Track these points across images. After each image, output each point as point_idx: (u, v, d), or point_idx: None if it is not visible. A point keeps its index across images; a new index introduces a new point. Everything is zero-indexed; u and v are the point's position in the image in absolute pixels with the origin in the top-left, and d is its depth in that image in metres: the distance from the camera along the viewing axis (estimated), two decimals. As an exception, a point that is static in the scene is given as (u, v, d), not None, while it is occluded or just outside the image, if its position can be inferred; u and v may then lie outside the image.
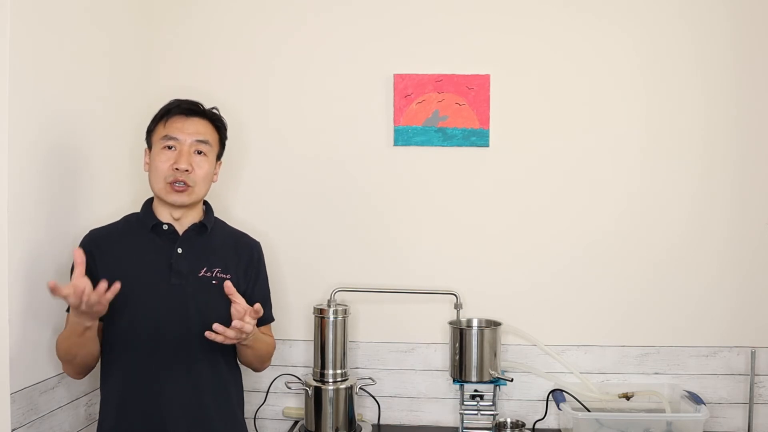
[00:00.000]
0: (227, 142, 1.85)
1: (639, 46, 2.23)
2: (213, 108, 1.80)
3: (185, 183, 1.69)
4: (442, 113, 2.25)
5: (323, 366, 2.09)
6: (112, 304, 1.64)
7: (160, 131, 1.71)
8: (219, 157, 1.81)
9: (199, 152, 1.72)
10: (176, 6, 2.33)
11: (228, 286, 1.60)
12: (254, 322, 1.62)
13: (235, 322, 1.58)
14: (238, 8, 2.32)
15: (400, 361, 2.28)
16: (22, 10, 1.62)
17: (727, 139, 2.22)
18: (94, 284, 1.65)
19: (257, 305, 1.61)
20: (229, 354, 1.77)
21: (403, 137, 2.27)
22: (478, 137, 2.25)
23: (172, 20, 2.33)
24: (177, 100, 1.75)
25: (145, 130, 1.77)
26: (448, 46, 2.27)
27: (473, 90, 2.24)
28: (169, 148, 1.70)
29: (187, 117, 1.72)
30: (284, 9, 2.31)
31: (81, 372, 1.70)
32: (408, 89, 2.25)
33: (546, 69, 2.25)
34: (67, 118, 1.84)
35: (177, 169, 1.67)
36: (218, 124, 1.79)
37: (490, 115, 2.25)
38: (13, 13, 1.59)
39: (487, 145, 2.25)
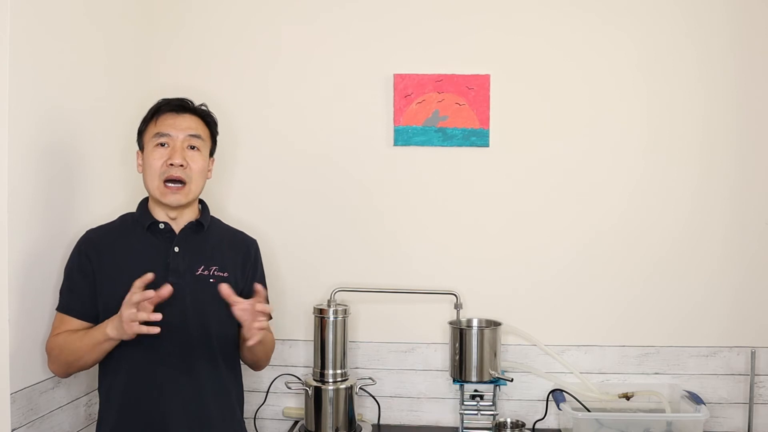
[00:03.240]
0: (227, 141, 1.85)
1: (639, 46, 2.23)
2: (202, 104, 1.79)
3: (181, 180, 1.69)
4: (442, 113, 2.25)
5: (323, 366, 2.09)
6: (110, 304, 1.64)
7: (152, 130, 1.71)
8: (212, 153, 1.81)
9: (193, 147, 1.72)
10: (176, 6, 2.33)
11: (224, 288, 1.58)
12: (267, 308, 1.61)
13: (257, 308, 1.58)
14: (237, 8, 2.32)
15: (400, 361, 2.28)
16: (22, 10, 1.62)
17: (727, 138, 2.22)
18: (91, 285, 1.66)
19: (259, 296, 1.60)
20: (228, 353, 1.77)
21: (403, 137, 2.27)
22: (478, 137, 2.25)
23: (171, 20, 2.33)
24: (165, 99, 1.75)
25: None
26: (448, 46, 2.27)
27: (473, 90, 2.24)
28: (162, 145, 1.70)
29: (178, 114, 1.72)
30: (284, 9, 2.31)
31: (71, 373, 1.69)
32: (408, 89, 2.25)
33: (546, 69, 2.25)
34: (65, 118, 1.84)
35: (171, 164, 1.67)
36: (209, 119, 1.79)
37: (490, 115, 2.25)
38: (12, 14, 1.59)
39: (487, 145, 2.25)
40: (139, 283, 1.51)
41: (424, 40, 2.28)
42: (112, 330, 1.56)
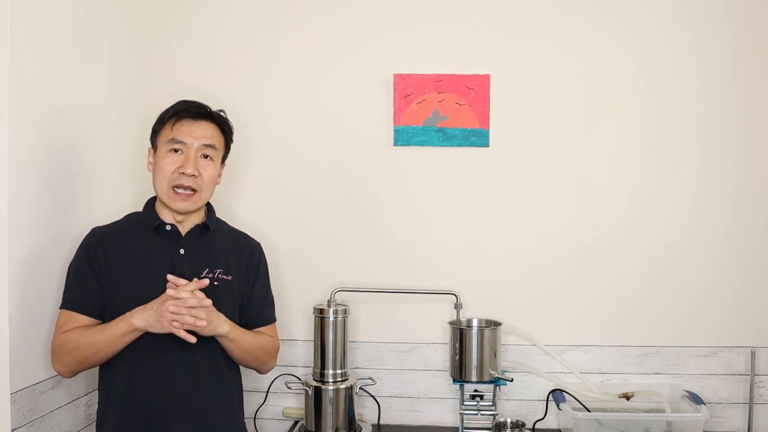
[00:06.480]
0: (229, 143, 1.85)
1: (639, 46, 2.23)
2: (220, 110, 1.79)
3: (191, 188, 1.69)
4: (442, 113, 2.25)
5: (323, 366, 2.09)
6: (115, 305, 1.64)
7: (167, 134, 1.70)
8: (224, 159, 1.81)
9: (206, 156, 1.72)
10: (176, 6, 2.33)
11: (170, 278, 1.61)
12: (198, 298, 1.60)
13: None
14: (238, 8, 2.32)
15: (400, 361, 2.28)
16: (22, 10, 1.62)
17: (727, 138, 2.22)
18: (99, 282, 1.66)
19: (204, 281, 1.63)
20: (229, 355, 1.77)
21: (403, 137, 2.26)
22: (478, 137, 2.25)
23: (171, 20, 2.33)
24: (185, 102, 1.74)
25: (148, 130, 1.77)
26: (448, 46, 2.27)
27: (473, 90, 2.24)
28: (176, 151, 1.69)
29: (195, 120, 1.71)
30: (284, 9, 2.31)
31: (79, 371, 1.68)
32: (408, 89, 2.25)
33: (546, 69, 2.25)
34: (67, 119, 1.84)
35: (183, 173, 1.67)
36: (225, 127, 1.79)
37: (490, 115, 2.25)
38: (13, 14, 1.58)
39: (487, 145, 2.25)
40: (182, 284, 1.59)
41: (424, 40, 2.28)
42: (140, 321, 1.58)
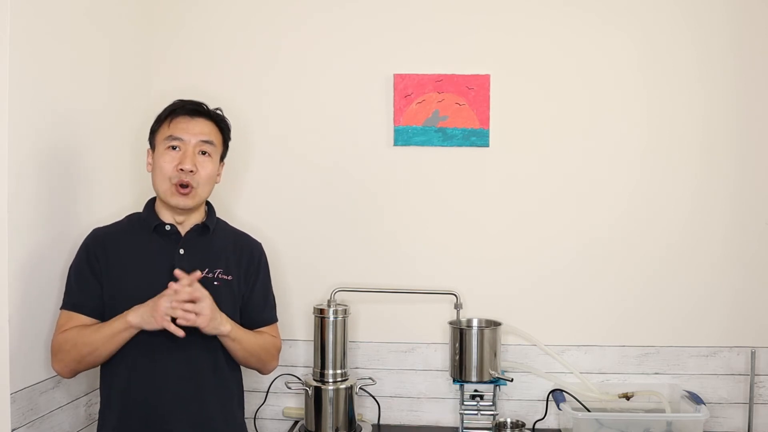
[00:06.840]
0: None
1: (639, 46, 2.23)
2: (217, 109, 1.80)
3: (189, 184, 1.69)
4: (442, 113, 2.25)
5: (323, 366, 2.09)
6: (115, 305, 1.65)
7: (164, 131, 1.71)
8: (222, 157, 1.81)
9: (204, 153, 1.72)
10: (176, 6, 2.33)
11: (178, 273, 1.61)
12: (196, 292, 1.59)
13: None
14: (237, 8, 2.32)
15: (400, 361, 2.28)
16: (22, 10, 1.62)
17: (727, 138, 2.22)
18: (99, 283, 1.66)
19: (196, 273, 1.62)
20: (230, 354, 1.76)
21: (403, 137, 2.26)
22: (478, 137, 2.25)
23: (171, 20, 2.33)
24: (181, 101, 1.75)
25: (147, 130, 1.77)
26: (448, 46, 2.27)
27: (473, 90, 2.24)
28: (174, 148, 1.70)
29: (192, 117, 1.72)
30: (284, 9, 2.31)
31: (78, 371, 1.68)
32: (408, 89, 2.25)
33: (546, 69, 2.25)
34: (67, 119, 1.84)
35: (182, 169, 1.68)
36: (222, 125, 1.79)
37: (490, 115, 2.25)
38: (13, 14, 1.59)
39: (487, 145, 2.25)
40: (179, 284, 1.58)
41: (424, 40, 2.28)
42: (135, 318, 1.58)
